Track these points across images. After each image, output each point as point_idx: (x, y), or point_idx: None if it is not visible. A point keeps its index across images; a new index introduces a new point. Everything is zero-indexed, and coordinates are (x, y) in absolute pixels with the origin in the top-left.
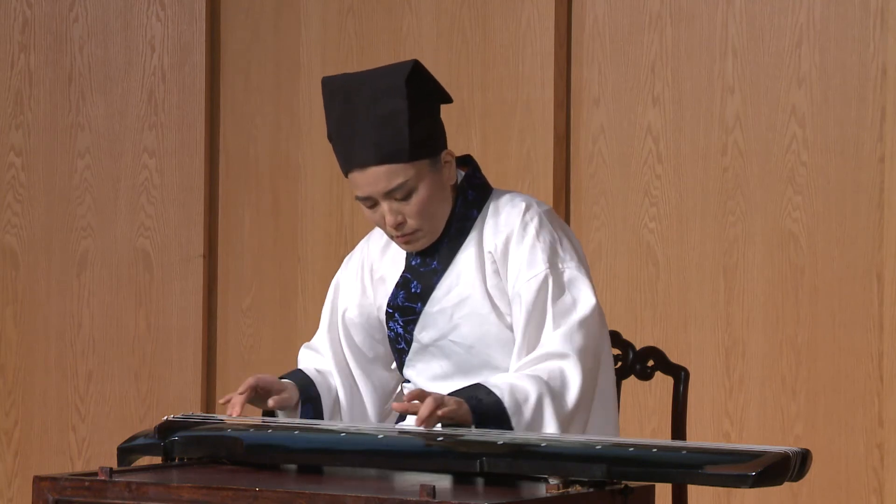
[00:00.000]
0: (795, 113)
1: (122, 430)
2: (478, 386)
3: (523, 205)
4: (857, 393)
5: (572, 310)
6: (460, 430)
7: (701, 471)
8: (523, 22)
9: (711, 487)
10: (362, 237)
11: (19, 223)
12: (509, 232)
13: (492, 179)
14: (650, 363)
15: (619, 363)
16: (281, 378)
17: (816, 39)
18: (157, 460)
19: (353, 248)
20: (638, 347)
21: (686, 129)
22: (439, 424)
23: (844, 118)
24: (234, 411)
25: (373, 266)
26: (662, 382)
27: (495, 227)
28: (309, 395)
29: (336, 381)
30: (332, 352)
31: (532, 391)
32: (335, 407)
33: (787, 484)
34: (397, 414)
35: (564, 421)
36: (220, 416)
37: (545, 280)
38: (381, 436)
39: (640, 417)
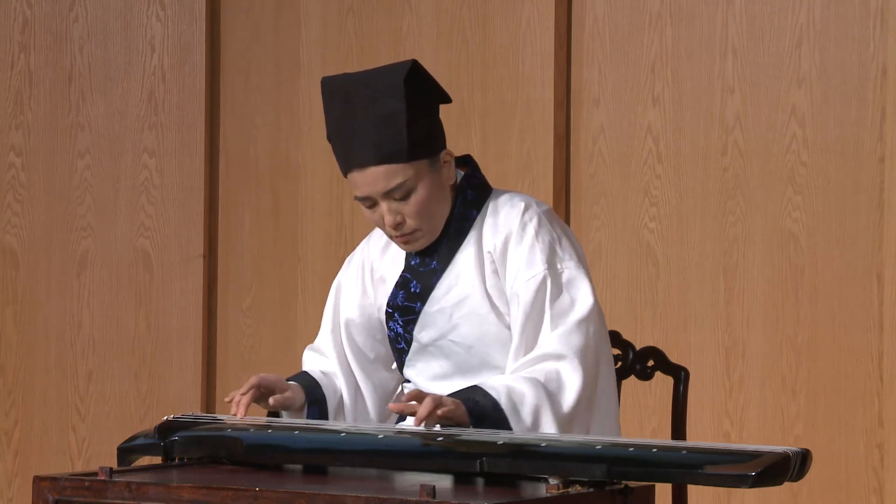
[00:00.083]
0: (795, 113)
1: (122, 430)
2: (475, 388)
3: (522, 205)
4: (857, 393)
5: (570, 310)
6: (460, 430)
7: (701, 471)
8: (523, 22)
9: (711, 487)
10: (362, 237)
11: (19, 223)
12: (508, 232)
13: (492, 179)
14: (650, 363)
15: (619, 363)
16: (287, 380)
17: (816, 39)
18: (157, 460)
19: (353, 248)
20: (638, 347)
21: (686, 129)
22: (438, 425)
23: (844, 118)
24: (239, 412)
25: (373, 266)
26: (662, 382)
27: (494, 227)
28: (315, 397)
29: (341, 383)
30: (336, 353)
31: (529, 393)
32: (339, 408)
33: (787, 484)
34: (398, 414)
35: (562, 422)
36: (220, 416)
37: (543, 281)
38: (381, 436)
39: (640, 417)
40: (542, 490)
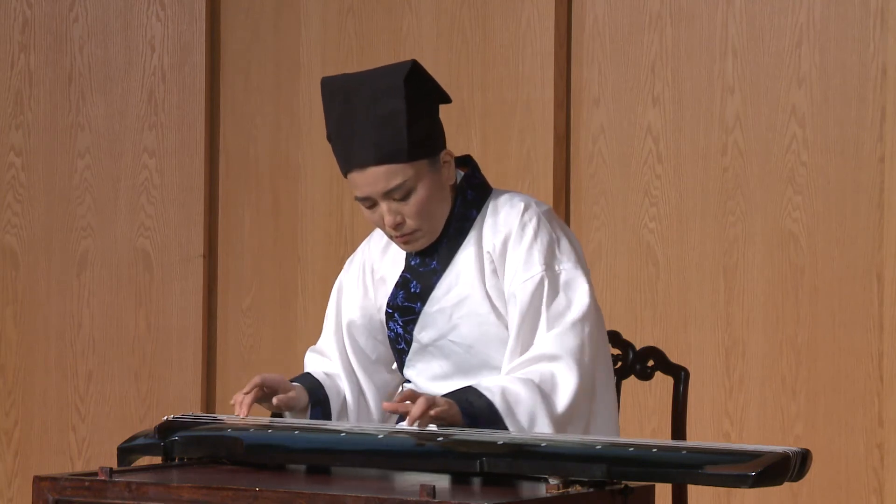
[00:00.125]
0: (795, 113)
1: (122, 430)
2: (469, 389)
3: (522, 205)
4: (857, 393)
5: (566, 311)
6: (460, 431)
7: (701, 471)
8: (523, 22)
9: (711, 487)
10: (362, 237)
11: (19, 223)
12: (508, 232)
13: (492, 179)
14: (650, 363)
15: (619, 363)
16: (290, 381)
17: (816, 39)
18: (157, 460)
19: (353, 248)
20: (638, 347)
21: (686, 129)
22: (433, 425)
23: (844, 118)
24: (242, 412)
25: (373, 267)
26: (662, 382)
27: (494, 227)
28: (318, 399)
29: (344, 384)
30: (339, 355)
31: (524, 394)
32: (343, 410)
33: (787, 484)
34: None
35: (557, 423)
36: (220, 416)
37: (541, 282)
38: (381, 436)
39: (640, 417)
40: (542, 490)
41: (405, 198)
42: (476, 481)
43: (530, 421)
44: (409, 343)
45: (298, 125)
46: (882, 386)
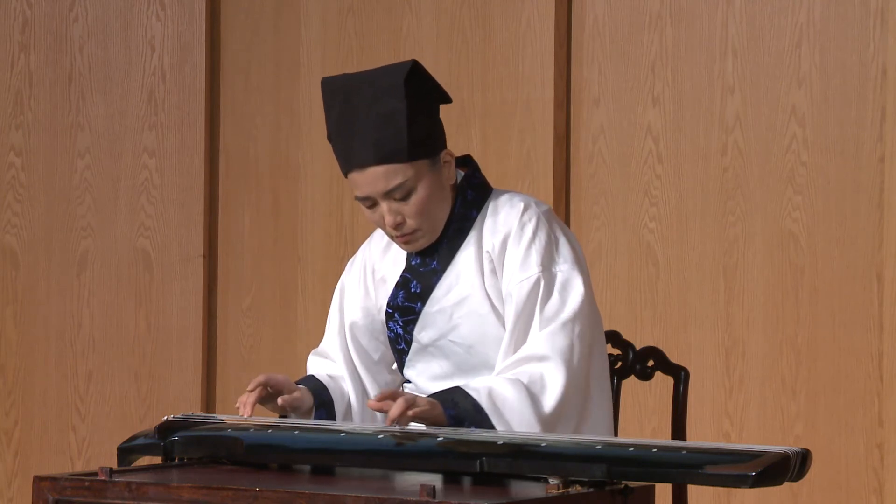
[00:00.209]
0: (795, 113)
1: (122, 430)
2: (455, 389)
3: (522, 205)
4: (857, 393)
5: (559, 312)
6: (460, 431)
7: (701, 471)
8: (523, 22)
9: (711, 487)
10: (362, 237)
11: (19, 223)
12: (507, 231)
13: (492, 179)
14: (650, 363)
15: (619, 363)
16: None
17: (816, 39)
18: (157, 460)
19: (353, 248)
20: (638, 347)
21: (686, 129)
22: (422, 425)
23: (844, 118)
24: (245, 412)
25: (374, 267)
26: (662, 382)
27: (494, 227)
28: (322, 400)
29: (348, 386)
30: (343, 356)
31: (511, 394)
32: (347, 411)
33: (787, 484)
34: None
35: (545, 423)
36: (220, 416)
37: (537, 282)
38: (381, 436)
39: (640, 417)
40: (542, 490)
41: (405, 197)
42: (475, 481)
43: (518, 421)
44: (409, 343)
45: (298, 125)
46: (882, 386)
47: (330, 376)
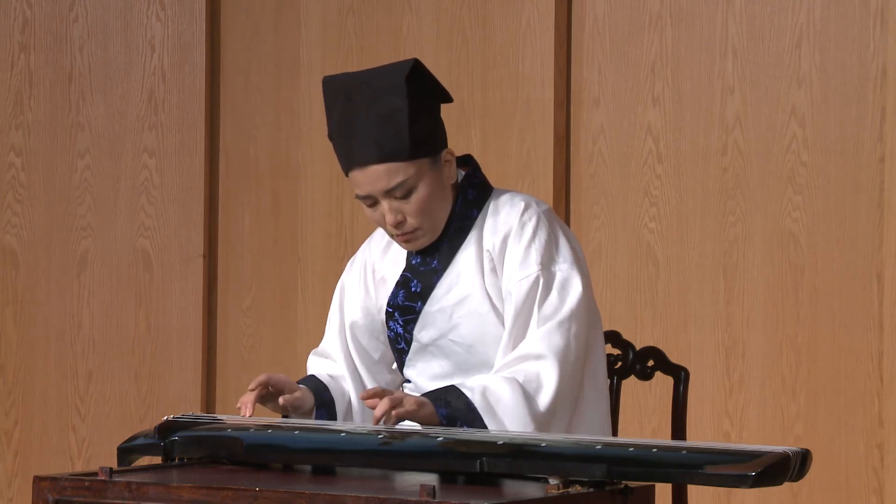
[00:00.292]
0: (795, 113)
1: (122, 430)
2: (450, 388)
3: (522, 204)
4: (857, 393)
5: (556, 311)
6: (460, 431)
7: (701, 471)
8: (523, 22)
9: (711, 487)
10: (362, 237)
11: (19, 223)
12: (507, 231)
13: (492, 179)
14: (650, 363)
15: (619, 363)
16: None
17: (816, 39)
18: (157, 460)
19: (353, 248)
20: (638, 347)
21: (686, 129)
22: (417, 424)
23: (844, 118)
24: (246, 412)
25: (374, 267)
26: (662, 382)
27: (494, 226)
28: (323, 400)
29: (348, 386)
30: (343, 356)
31: (506, 393)
32: (348, 411)
33: (787, 484)
34: None
35: (539, 421)
36: (220, 416)
37: (536, 281)
38: (381, 436)
39: (640, 417)
40: (542, 490)
41: (406, 196)
42: (475, 481)
43: (512, 420)
44: (409, 343)
45: (298, 125)
46: (882, 386)
47: (330, 376)
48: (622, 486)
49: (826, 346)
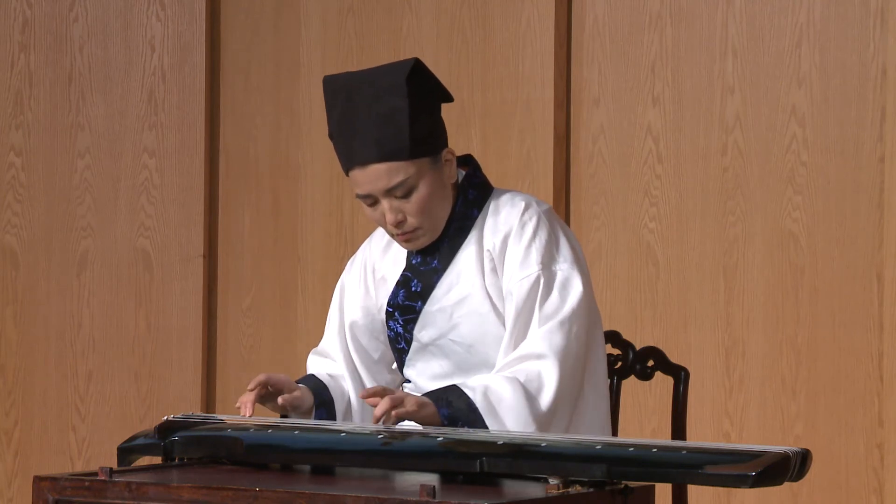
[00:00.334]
0: (795, 113)
1: (122, 430)
2: (451, 388)
3: (523, 204)
4: (857, 393)
5: (557, 311)
6: (460, 431)
7: (701, 471)
8: (523, 22)
9: (711, 487)
10: (362, 237)
11: (19, 223)
12: (507, 230)
13: (492, 179)
14: (650, 363)
15: (619, 363)
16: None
17: (816, 39)
18: (157, 460)
19: (353, 247)
20: (638, 347)
21: (686, 129)
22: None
23: (844, 118)
24: (245, 412)
25: (374, 266)
26: (662, 382)
27: (494, 226)
28: (323, 400)
29: (348, 385)
30: (343, 355)
31: (508, 393)
32: (347, 410)
33: (787, 484)
34: None
35: (541, 421)
36: (220, 416)
37: (537, 281)
38: (381, 436)
39: (640, 417)
40: (542, 490)
41: (406, 195)
42: (475, 481)
43: (514, 419)
44: (409, 342)
45: (298, 125)
46: (882, 386)
47: (330, 375)
48: (622, 486)
49: (826, 346)
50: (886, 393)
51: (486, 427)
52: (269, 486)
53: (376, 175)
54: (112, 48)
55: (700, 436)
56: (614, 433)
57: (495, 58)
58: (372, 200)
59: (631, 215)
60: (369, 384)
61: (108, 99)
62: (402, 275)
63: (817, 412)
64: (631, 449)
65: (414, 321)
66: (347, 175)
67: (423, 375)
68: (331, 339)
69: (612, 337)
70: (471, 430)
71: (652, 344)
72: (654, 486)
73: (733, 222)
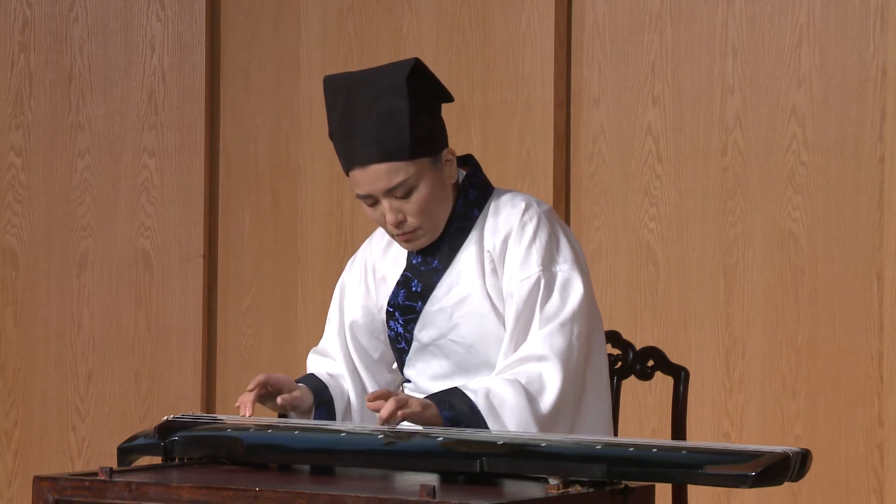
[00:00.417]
0: (795, 113)
1: (122, 430)
2: (453, 391)
3: (523, 204)
4: (857, 393)
5: (558, 312)
6: (460, 431)
7: (701, 471)
8: (523, 22)
9: (711, 487)
10: (362, 237)
11: (19, 223)
12: (508, 231)
13: (492, 179)
14: (650, 363)
15: (619, 363)
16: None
17: (816, 39)
18: (157, 460)
19: (352, 247)
20: (638, 347)
21: (686, 129)
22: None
23: (844, 118)
24: (245, 411)
25: (375, 266)
26: (662, 382)
27: (495, 227)
28: (323, 399)
29: (348, 385)
30: (343, 355)
31: (509, 395)
32: (347, 410)
33: (787, 484)
34: None
35: (542, 423)
36: (220, 416)
37: (537, 282)
38: (381, 436)
39: (640, 417)
40: (542, 490)
41: (407, 195)
42: (475, 481)
43: (515, 421)
44: (409, 342)
45: (298, 125)
46: (882, 386)
47: (330, 375)
48: (622, 486)
49: (826, 346)
50: (886, 393)
51: (489, 429)
52: (269, 486)
53: (376, 175)
54: (112, 48)
55: (700, 436)
56: (615, 433)
57: (495, 58)
58: (372, 201)
59: (631, 215)
60: (369, 384)
61: (108, 99)
62: (402, 275)
63: (817, 412)
64: (631, 449)
65: (414, 321)
66: (347, 175)
67: (424, 375)
68: (331, 338)
69: (613, 337)
70: (471, 430)
71: (652, 344)
72: (654, 486)
73: (733, 222)
